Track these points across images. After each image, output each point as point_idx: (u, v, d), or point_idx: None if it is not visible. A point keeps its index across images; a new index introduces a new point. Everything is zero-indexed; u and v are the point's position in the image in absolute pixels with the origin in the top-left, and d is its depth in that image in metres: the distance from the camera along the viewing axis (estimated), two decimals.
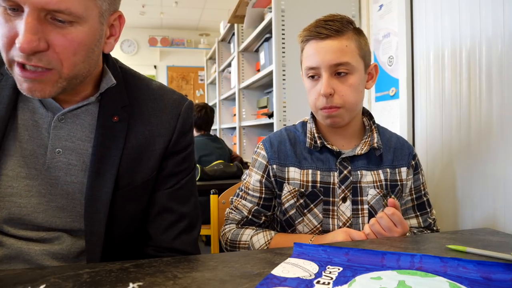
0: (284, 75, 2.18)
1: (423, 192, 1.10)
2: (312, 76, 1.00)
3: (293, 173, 1.03)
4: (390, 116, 1.79)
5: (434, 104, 1.51)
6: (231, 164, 2.22)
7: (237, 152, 3.47)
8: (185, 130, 0.85)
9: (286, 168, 1.04)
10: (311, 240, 0.96)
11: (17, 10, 0.61)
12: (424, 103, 1.57)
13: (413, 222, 1.09)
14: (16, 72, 0.65)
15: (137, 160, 0.79)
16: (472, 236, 0.82)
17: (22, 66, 0.64)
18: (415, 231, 1.08)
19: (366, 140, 1.05)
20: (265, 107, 2.93)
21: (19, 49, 0.61)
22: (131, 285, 0.50)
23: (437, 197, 1.50)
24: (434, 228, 1.10)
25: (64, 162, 0.76)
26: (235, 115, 3.69)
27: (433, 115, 1.52)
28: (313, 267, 0.62)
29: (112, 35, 0.75)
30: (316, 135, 1.05)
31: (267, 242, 1.02)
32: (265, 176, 1.06)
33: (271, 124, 2.54)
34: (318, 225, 1.01)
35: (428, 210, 1.10)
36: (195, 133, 2.91)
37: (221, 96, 4.33)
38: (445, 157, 1.46)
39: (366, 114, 1.11)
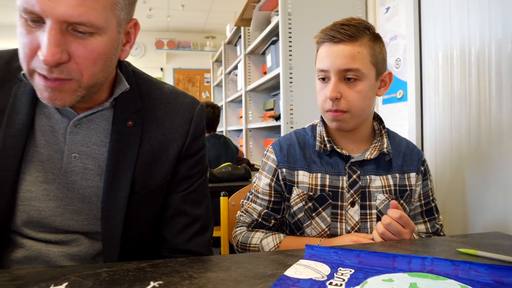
0: (291, 77, 2.19)
1: (431, 198, 1.10)
2: (323, 78, 1.01)
3: (302, 176, 1.04)
4: (398, 119, 1.80)
5: (443, 107, 1.52)
6: (239, 166, 2.23)
7: (244, 154, 3.49)
8: (198, 133, 0.86)
9: (295, 171, 1.05)
10: (319, 243, 0.98)
11: (38, 21, 0.63)
12: (433, 106, 1.58)
13: (421, 227, 1.09)
14: (37, 81, 0.66)
15: (151, 164, 0.81)
16: (482, 240, 0.82)
17: (44, 76, 0.65)
18: (423, 236, 1.08)
19: (376, 144, 1.06)
20: (272, 109, 2.94)
21: (42, 62, 0.62)
22: (151, 283, 0.52)
23: (446, 201, 1.50)
24: (441, 233, 1.11)
25: (80, 167, 0.77)
26: (241, 117, 3.71)
27: (442, 117, 1.53)
28: (325, 269, 0.63)
29: (127, 42, 0.76)
30: (325, 138, 1.05)
31: (276, 246, 1.03)
32: (275, 179, 1.07)
33: (278, 127, 2.55)
34: (326, 229, 1.02)
35: (436, 216, 1.10)
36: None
37: (228, 98, 4.35)
38: (455, 160, 1.47)
39: (377, 118, 1.12)
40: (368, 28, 1.00)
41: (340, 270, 0.62)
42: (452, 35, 1.46)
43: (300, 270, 0.62)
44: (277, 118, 2.41)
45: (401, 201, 1.04)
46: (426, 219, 1.09)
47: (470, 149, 1.39)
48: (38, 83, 0.67)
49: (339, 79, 0.98)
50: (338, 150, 1.04)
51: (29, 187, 0.75)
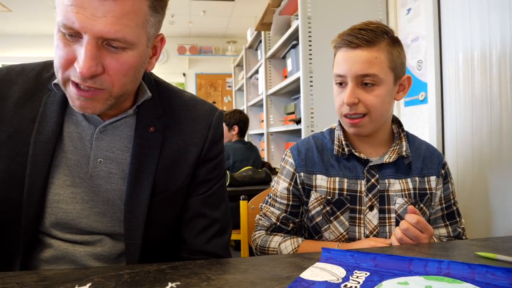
0: (311, 81, 2.20)
1: (452, 201, 1.08)
2: (340, 83, 1.01)
3: (320, 180, 1.04)
4: (420, 121, 1.78)
5: (464, 109, 1.49)
6: (260, 170, 2.25)
7: (265, 158, 3.50)
8: (216, 139, 0.89)
9: (314, 175, 1.05)
10: (337, 247, 0.97)
11: (75, 36, 0.67)
12: (454, 108, 1.56)
13: (443, 231, 1.08)
14: (71, 90, 0.71)
15: (171, 168, 0.84)
16: (503, 244, 0.81)
17: (77, 85, 0.70)
18: (444, 239, 1.07)
19: (395, 148, 1.05)
20: (293, 113, 2.95)
21: (79, 73, 0.67)
22: (169, 284, 0.54)
23: (468, 205, 1.48)
24: (463, 237, 1.09)
25: (105, 171, 0.82)
26: (262, 121, 3.73)
27: (463, 120, 1.50)
28: (341, 272, 0.63)
29: (154, 54, 0.81)
30: (343, 142, 1.05)
31: (294, 249, 1.03)
32: (293, 183, 1.08)
33: (299, 130, 2.56)
34: (344, 233, 1.02)
35: (458, 219, 1.09)
36: (234, 138, 2.97)
37: (249, 102, 4.37)
38: (476, 163, 1.44)
39: (395, 121, 1.11)
40: (386, 32, 0.99)
41: (355, 273, 0.63)
42: (473, 36, 1.44)
43: (316, 272, 0.63)
44: (298, 121, 2.41)
45: (421, 205, 1.03)
46: (448, 222, 1.08)
47: (492, 151, 1.36)
48: (71, 92, 0.71)
49: (356, 84, 0.98)
50: (356, 154, 1.03)
51: (57, 191, 0.79)
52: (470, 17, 1.45)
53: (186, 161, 0.85)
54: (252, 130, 4.34)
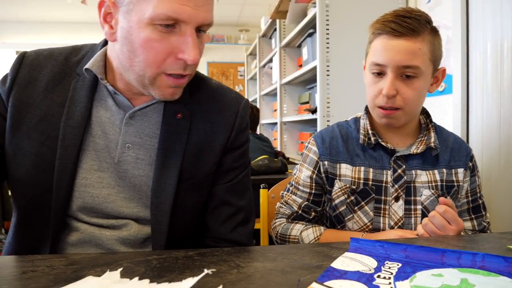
0: (328, 70, 2.17)
1: (478, 195, 1.06)
2: (378, 73, 0.97)
3: (345, 169, 1.02)
4: (439, 113, 1.75)
5: (492, 101, 1.46)
6: (276, 159, 2.24)
7: (278, 148, 3.49)
8: (242, 127, 0.90)
9: (338, 164, 1.04)
10: (361, 237, 0.96)
11: (170, 27, 0.70)
12: (480, 99, 1.53)
13: (468, 225, 1.06)
14: (165, 81, 0.75)
15: (198, 155, 0.84)
16: None
17: (173, 77, 0.75)
18: (469, 233, 1.05)
19: (422, 139, 1.02)
20: (307, 102, 2.93)
21: (191, 61, 0.72)
22: (205, 270, 0.53)
23: (494, 199, 1.45)
24: (488, 231, 1.07)
25: (133, 157, 0.82)
26: (275, 110, 3.71)
27: (489, 112, 1.47)
28: (372, 262, 0.62)
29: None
30: (370, 131, 1.03)
31: (316, 238, 1.03)
32: (316, 172, 1.06)
33: (313, 120, 2.54)
34: (369, 223, 1.01)
35: (483, 213, 1.07)
36: None
37: (262, 91, 4.35)
38: (503, 156, 1.41)
39: (423, 112, 1.08)
40: (429, 22, 0.94)
41: (387, 263, 0.62)
42: (503, 24, 1.40)
43: (347, 262, 0.62)
44: (313, 111, 2.40)
45: (448, 197, 1.01)
46: (473, 216, 1.06)
47: None
48: (165, 83, 0.75)
49: (396, 75, 0.93)
50: (383, 143, 1.01)
51: (84, 175, 0.80)
52: (501, 6, 1.41)
53: (213, 149, 0.85)
54: (264, 120, 4.33)
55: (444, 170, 1.02)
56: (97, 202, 0.81)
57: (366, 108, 1.09)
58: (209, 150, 0.85)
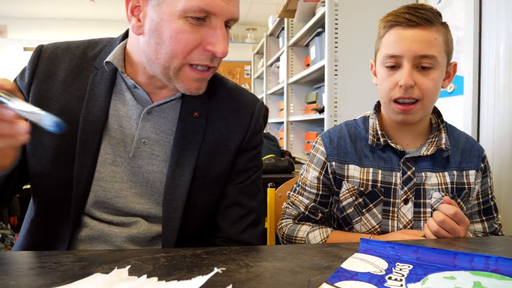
0: (336, 70, 2.16)
1: (490, 196, 1.04)
2: (392, 66, 0.93)
3: (353, 170, 1.00)
4: (448, 114, 1.73)
5: (503, 103, 1.44)
6: (282, 158, 2.23)
7: (284, 147, 3.48)
8: (257, 129, 0.90)
9: (346, 165, 1.01)
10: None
11: (201, 19, 0.72)
12: (492, 101, 1.50)
13: (478, 227, 1.04)
14: (189, 74, 0.76)
15: (213, 154, 0.84)
16: None
17: (198, 69, 0.76)
18: (479, 235, 1.03)
19: (433, 140, 1.00)
20: (314, 102, 2.92)
21: (220, 53, 0.73)
22: (215, 269, 0.53)
23: (505, 203, 1.43)
24: (500, 233, 1.05)
25: (148, 152, 0.82)
26: (282, 109, 3.70)
27: (501, 115, 1.45)
28: (382, 263, 0.62)
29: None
30: (379, 132, 1.00)
31: (323, 240, 1.01)
32: (323, 173, 1.04)
33: (320, 120, 2.53)
34: (377, 226, 0.99)
35: (495, 215, 1.04)
36: None
37: (269, 90, 4.34)
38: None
39: (435, 111, 1.05)
40: (440, 15, 0.93)
41: (398, 265, 0.61)
42: None
43: (357, 263, 0.61)
44: (321, 111, 2.38)
45: (458, 200, 0.99)
46: (484, 218, 1.04)
47: None
48: (190, 75, 0.76)
49: (412, 66, 0.91)
50: (392, 144, 0.98)
51: (98, 168, 0.80)
52: None
53: (227, 149, 0.86)
54: (271, 119, 4.31)
55: (455, 172, 0.99)
56: (109, 197, 0.81)
57: (376, 107, 1.07)
58: (224, 149, 0.85)
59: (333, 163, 1.03)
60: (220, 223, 0.88)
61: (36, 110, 0.54)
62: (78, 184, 0.78)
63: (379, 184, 0.98)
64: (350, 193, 1.00)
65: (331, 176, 1.03)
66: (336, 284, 0.53)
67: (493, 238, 0.83)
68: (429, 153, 0.98)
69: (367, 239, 0.69)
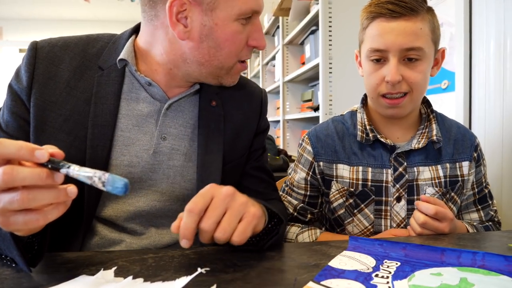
0: (330, 68, 2.16)
1: (484, 184, 1.02)
2: (377, 60, 0.90)
3: (342, 170, 0.98)
4: (442, 110, 1.73)
5: (494, 98, 1.44)
6: (277, 157, 2.23)
7: (280, 146, 3.48)
8: (265, 113, 0.98)
9: (334, 164, 0.98)
10: None
11: (249, 18, 0.77)
12: (483, 97, 1.50)
13: (474, 216, 1.02)
14: (239, 68, 0.82)
15: (235, 140, 0.89)
16: None
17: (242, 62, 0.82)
18: (475, 223, 1.00)
19: (424, 131, 0.97)
20: (310, 100, 2.92)
21: (263, 47, 0.81)
22: (199, 269, 0.53)
23: (496, 198, 1.42)
24: (496, 219, 1.03)
25: (168, 147, 0.82)
26: (278, 108, 3.70)
27: (492, 110, 1.45)
28: (370, 261, 0.62)
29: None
30: (368, 127, 0.97)
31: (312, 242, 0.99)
32: (311, 173, 1.02)
33: (316, 118, 2.53)
34: (369, 226, 0.96)
35: (490, 202, 1.03)
36: None
37: (265, 89, 4.34)
38: (506, 154, 1.39)
39: (424, 101, 1.02)
40: (425, 0, 0.89)
41: (385, 262, 0.61)
42: (506, 22, 1.38)
43: (345, 261, 0.61)
44: (316, 109, 2.38)
45: (452, 194, 0.97)
46: (480, 207, 1.02)
47: None
48: (239, 69, 0.82)
49: (399, 59, 0.87)
50: (382, 139, 0.95)
51: (114, 172, 0.77)
52: (504, 2, 1.39)
53: (247, 134, 0.92)
54: (267, 117, 4.31)
55: (448, 165, 0.96)
56: (128, 197, 0.80)
57: (363, 101, 1.03)
58: (244, 135, 0.91)
59: (321, 163, 1.00)
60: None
61: (100, 173, 0.49)
62: (90, 190, 0.75)
63: (369, 183, 0.96)
64: (340, 194, 0.98)
65: (318, 176, 1.01)
66: (322, 283, 0.52)
67: (483, 234, 0.83)
68: (420, 146, 0.94)
69: (356, 236, 0.69)
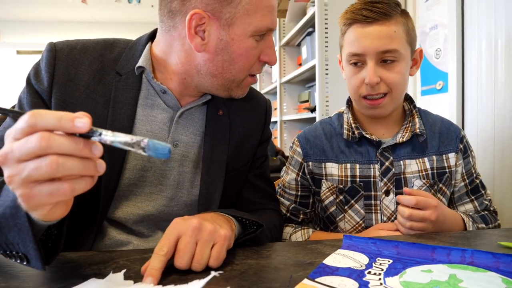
0: (327, 69, 2.18)
1: (475, 175, 1.04)
2: (355, 63, 0.95)
3: (331, 168, 1.01)
4: (437, 111, 1.75)
5: (486, 98, 1.47)
6: (274, 158, 2.25)
7: (278, 146, 3.50)
8: (269, 122, 1.01)
9: (323, 163, 1.02)
10: None
11: (263, 35, 0.80)
12: (475, 97, 1.53)
13: (469, 207, 1.04)
14: (249, 81, 0.84)
15: (239, 148, 0.92)
16: None
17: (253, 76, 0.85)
18: (470, 213, 1.02)
19: (407, 126, 1.00)
20: (307, 101, 2.94)
21: (274, 63, 0.83)
22: (212, 273, 0.55)
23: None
24: (491, 208, 1.05)
25: (179, 154, 0.85)
26: (276, 109, 3.72)
27: (484, 109, 1.48)
28: (363, 259, 0.64)
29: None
30: (353, 125, 1.00)
31: (305, 241, 1.01)
32: (301, 174, 1.05)
33: (313, 119, 2.55)
34: (361, 221, 0.99)
35: (483, 192, 1.05)
36: None
37: (262, 90, 4.36)
38: (498, 153, 1.42)
39: (407, 98, 1.06)
40: (398, 4, 0.94)
41: (378, 260, 0.63)
42: (497, 23, 1.41)
43: (339, 259, 0.63)
44: (312, 110, 2.40)
45: (440, 185, 0.99)
46: (473, 197, 1.04)
47: None
48: (249, 82, 0.84)
49: (376, 62, 0.92)
50: (367, 135, 0.99)
51: (128, 175, 0.80)
52: (495, 4, 1.41)
53: (251, 143, 0.95)
54: None
55: (434, 157, 0.99)
56: (139, 201, 0.82)
57: (348, 102, 1.07)
58: (248, 144, 0.94)
59: (310, 163, 1.03)
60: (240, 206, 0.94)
61: (138, 138, 0.46)
62: (106, 192, 0.77)
63: (358, 179, 0.99)
64: (331, 191, 1.01)
65: (308, 176, 1.04)
66: (316, 280, 0.54)
67: (473, 232, 0.85)
68: (404, 139, 0.98)
69: (350, 235, 0.72)
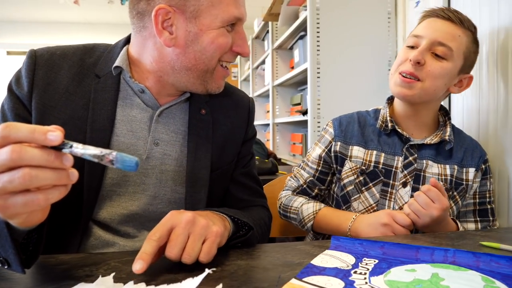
0: (318, 72, 2.20)
1: (487, 200, 1.08)
2: (412, 46, 1.01)
3: (357, 151, 1.07)
4: None
5: (471, 96, 1.47)
6: (266, 160, 2.26)
7: (271, 149, 3.52)
8: (252, 121, 1.02)
9: (350, 146, 1.08)
10: (353, 218, 0.98)
11: (232, 25, 0.81)
12: (461, 95, 1.53)
13: (471, 226, 1.07)
14: (220, 72, 0.85)
15: (223, 147, 0.93)
16: (506, 234, 0.83)
17: (226, 67, 0.86)
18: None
19: (438, 133, 1.06)
20: (299, 104, 2.96)
21: (245, 54, 0.85)
22: (207, 270, 0.56)
23: None
24: None
25: (161, 152, 0.86)
26: (268, 111, 3.74)
27: (470, 112, 1.50)
28: (350, 259, 0.66)
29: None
30: (388, 118, 1.06)
31: (314, 212, 1.06)
32: (326, 150, 1.12)
33: (305, 122, 2.56)
34: (374, 204, 1.04)
35: (491, 219, 1.08)
36: None
37: (255, 93, 4.38)
38: (481, 143, 1.42)
39: (443, 110, 1.12)
40: (475, 28, 1.01)
41: (364, 260, 0.65)
42: (482, 22, 1.41)
43: (326, 259, 0.65)
44: (304, 113, 2.42)
45: (455, 193, 1.04)
46: (478, 219, 1.07)
47: (497, 133, 1.33)
48: (220, 73, 0.85)
49: (428, 47, 0.98)
50: (399, 130, 1.05)
51: (110, 175, 0.82)
52: (480, 5, 1.43)
53: (235, 141, 0.96)
54: (257, 121, 4.35)
55: (456, 167, 1.04)
56: (123, 201, 0.83)
57: (388, 100, 1.13)
58: (232, 142, 0.95)
59: (338, 143, 1.10)
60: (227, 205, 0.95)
61: (107, 151, 0.48)
62: (88, 192, 0.79)
63: (380, 166, 1.04)
64: (353, 171, 1.06)
65: (333, 154, 1.10)
66: (304, 279, 0.56)
67: (457, 233, 0.87)
68: (432, 142, 1.03)
69: (338, 236, 0.73)
